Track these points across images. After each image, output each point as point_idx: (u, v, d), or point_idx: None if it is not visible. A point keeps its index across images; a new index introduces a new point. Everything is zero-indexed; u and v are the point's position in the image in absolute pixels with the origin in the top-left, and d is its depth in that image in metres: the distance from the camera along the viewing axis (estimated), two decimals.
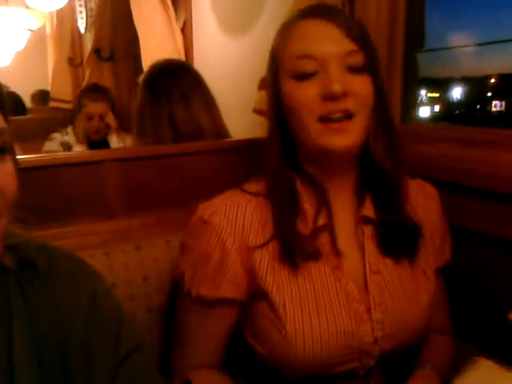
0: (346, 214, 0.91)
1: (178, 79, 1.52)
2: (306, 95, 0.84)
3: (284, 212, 0.87)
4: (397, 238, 0.91)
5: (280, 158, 0.90)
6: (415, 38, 1.45)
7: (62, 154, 1.84)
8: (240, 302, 0.89)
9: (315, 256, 0.86)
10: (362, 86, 0.85)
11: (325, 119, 0.83)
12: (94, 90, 2.63)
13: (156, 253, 1.09)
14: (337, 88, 0.81)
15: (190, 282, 0.89)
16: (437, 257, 0.98)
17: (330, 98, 0.82)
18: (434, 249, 0.97)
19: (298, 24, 0.87)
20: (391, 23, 1.37)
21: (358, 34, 0.86)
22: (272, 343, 0.85)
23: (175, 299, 1.01)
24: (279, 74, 0.88)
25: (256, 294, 0.87)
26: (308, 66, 0.84)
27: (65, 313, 0.67)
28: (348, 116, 0.83)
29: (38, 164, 1.12)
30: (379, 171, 0.90)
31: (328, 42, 0.84)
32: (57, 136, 2.55)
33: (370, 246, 0.90)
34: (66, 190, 1.14)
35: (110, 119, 2.57)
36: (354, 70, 0.84)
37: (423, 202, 0.98)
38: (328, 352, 0.83)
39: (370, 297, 0.87)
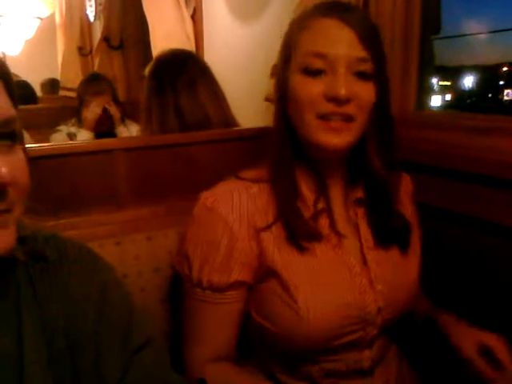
0: (340, 197, 0.97)
1: (184, 69, 1.51)
2: (310, 91, 0.86)
3: (287, 196, 0.91)
4: (388, 227, 0.97)
5: (284, 145, 0.93)
6: (431, 24, 1.42)
7: (71, 143, 1.83)
8: (249, 284, 0.92)
9: (317, 237, 0.91)
10: (366, 93, 0.87)
11: (324, 117, 0.86)
12: (94, 83, 2.55)
13: (167, 243, 1.08)
14: (342, 92, 0.84)
15: (200, 271, 0.90)
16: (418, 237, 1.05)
17: (334, 100, 0.85)
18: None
19: (317, 21, 0.88)
20: (407, 9, 1.34)
21: (373, 42, 0.88)
22: (283, 319, 0.89)
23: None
24: (289, 63, 0.90)
25: (265, 274, 0.90)
26: (318, 64, 0.86)
27: (75, 304, 0.66)
28: (347, 119, 0.86)
29: (47, 153, 1.11)
30: (369, 168, 0.95)
31: (342, 45, 0.86)
32: (63, 128, 2.53)
33: (364, 226, 0.97)
34: (76, 179, 1.13)
35: (113, 111, 2.52)
36: (361, 75, 0.87)
37: (404, 190, 1.05)
38: (336, 323, 0.89)
39: (371, 271, 0.94)
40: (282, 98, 0.91)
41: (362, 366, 0.95)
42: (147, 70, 1.57)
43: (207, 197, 0.92)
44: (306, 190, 0.93)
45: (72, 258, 0.69)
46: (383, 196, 0.96)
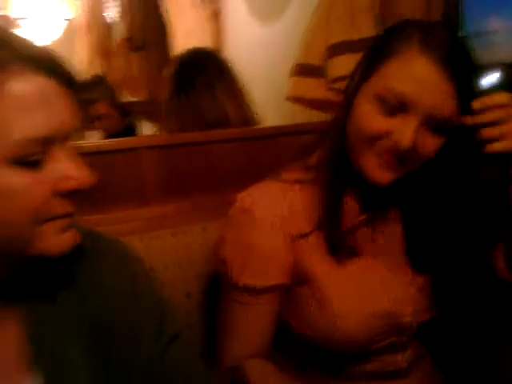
0: (380, 211, 0.94)
1: (204, 68, 1.52)
2: (375, 126, 0.81)
3: (331, 209, 0.88)
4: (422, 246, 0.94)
5: (338, 162, 0.89)
6: (452, 24, 1.42)
7: (98, 142, 1.86)
8: (286, 287, 0.91)
9: (355, 253, 0.90)
10: (431, 148, 0.82)
11: (380, 154, 0.82)
12: (88, 90, 2.43)
13: (191, 238, 1.10)
14: (405, 144, 0.79)
15: (237, 273, 0.89)
16: None
17: (394, 150, 0.80)
18: None
19: (415, 58, 0.79)
20: (428, 9, 1.35)
21: (469, 97, 0.79)
22: (318, 324, 0.89)
23: (213, 285, 1.03)
24: (367, 84, 0.84)
25: (299, 279, 0.90)
26: (399, 104, 0.79)
27: (109, 294, 0.69)
28: (400, 161, 0.82)
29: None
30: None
31: (432, 98, 0.78)
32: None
33: (398, 234, 0.95)
34: (103, 177, 1.15)
35: (112, 118, 2.47)
36: (434, 128, 0.81)
37: None
38: (369, 331, 0.88)
39: (404, 280, 0.93)
40: (346, 111, 0.86)
41: (398, 368, 0.95)
42: (168, 70, 1.60)
43: (244, 198, 0.90)
44: (351, 201, 0.90)
45: (106, 250, 0.71)
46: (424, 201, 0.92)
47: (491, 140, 0.79)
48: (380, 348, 0.92)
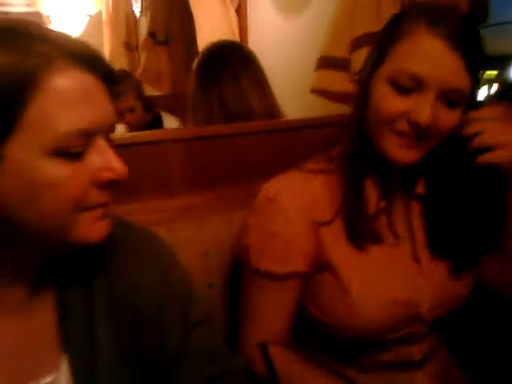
0: (401, 196, 0.97)
1: (229, 60, 1.54)
2: (393, 107, 0.84)
3: (352, 195, 0.91)
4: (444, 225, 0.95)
5: (357, 145, 0.91)
6: (479, 13, 1.41)
7: (126, 135, 1.90)
8: (306, 274, 0.93)
9: (376, 239, 0.92)
10: (450, 121, 0.84)
11: (400, 133, 0.85)
12: (114, 83, 2.49)
13: (216, 229, 1.12)
14: (424, 121, 0.81)
15: (259, 259, 0.92)
16: None
17: (414, 125, 0.83)
18: None
19: (424, 38, 0.82)
20: None
21: (478, 71, 0.84)
22: (337, 311, 0.91)
23: (235, 275, 1.05)
24: (379, 69, 0.87)
25: (321, 266, 0.92)
26: (411, 83, 0.82)
27: (140, 282, 0.71)
28: (421, 138, 0.84)
29: None
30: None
31: (443, 72, 0.81)
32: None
33: (419, 224, 0.97)
34: (131, 168, 1.18)
35: (137, 112, 2.49)
36: (450, 103, 0.83)
37: None
38: (387, 318, 0.90)
39: (423, 269, 0.95)
40: (363, 98, 0.89)
41: (413, 359, 0.96)
42: (194, 64, 1.62)
43: (269, 188, 0.93)
44: (371, 191, 0.93)
45: (137, 239, 0.74)
46: (445, 191, 0.95)
47: (482, 151, 0.84)
48: (396, 338, 0.93)
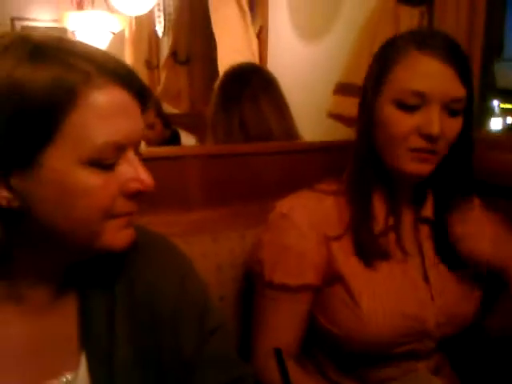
0: (409, 216, 1.01)
1: (249, 82, 1.57)
2: (404, 126, 0.90)
3: (360, 215, 0.95)
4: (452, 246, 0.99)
5: (365, 167, 0.97)
6: (493, 48, 1.44)
7: (146, 150, 1.93)
8: (318, 287, 0.96)
9: (384, 256, 0.95)
10: (454, 129, 0.91)
11: (414, 150, 0.90)
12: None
13: (231, 244, 1.15)
14: (436, 131, 0.88)
15: (272, 272, 0.96)
16: None
17: (427, 137, 0.89)
18: None
19: (413, 57, 0.90)
20: (470, 32, 1.36)
21: (470, 80, 0.91)
22: (346, 323, 0.93)
23: (247, 289, 1.07)
24: (380, 93, 0.93)
25: (332, 279, 0.95)
26: (415, 101, 0.89)
27: (159, 288, 0.74)
28: (434, 149, 0.90)
29: None
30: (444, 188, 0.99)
31: (441, 84, 0.89)
32: None
33: (428, 244, 1.01)
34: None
35: (156, 129, 2.52)
36: (452, 112, 0.90)
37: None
38: (395, 332, 0.93)
39: (432, 287, 0.98)
40: (369, 122, 0.95)
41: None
42: (215, 85, 1.66)
43: (283, 205, 0.98)
44: (379, 208, 0.97)
45: (157, 246, 0.77)
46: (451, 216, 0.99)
47: None
48: (403, 353, 0.95)
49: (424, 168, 0.92)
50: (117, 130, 0.62)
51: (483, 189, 1.11)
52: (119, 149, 0.63)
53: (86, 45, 0.65)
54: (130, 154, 0.64)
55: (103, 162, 0.61)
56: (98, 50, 0.65)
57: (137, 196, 0.66)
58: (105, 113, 0.61)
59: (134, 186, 0.64)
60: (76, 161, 0.60)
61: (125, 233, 0.67)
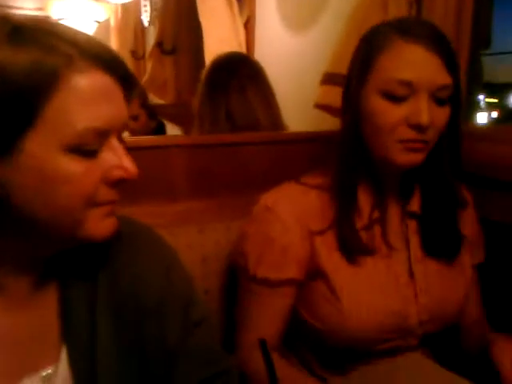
0: (396, 209, 1.00)
1: (236, 72, 1.56)
2: (392, 117, 0.88)
3: (344, 209, 0.94)
4: (440, 239, 0.99)
5: (351, 159, 0.95)
6: (481, 40, 1.44)
7: (130, 139, 1.91)
8: (301, 281, 0.96)
9: (368, 252, 0.94)
10: (443, 118, 0.90)
11: (404, 141, 0.89)
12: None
13: (216, 236, 1.14)
14: (425, 120, 0.86)
15: (256, 265, 0.95)
16: (471, 256, 1.06)
17: (416, 127, 0.87)
18: (470, 249, 1.05)
19: (398, 45, 0.88)
20: (458, 24, 1.36)
21: (456, 67, 0.90)
22: (328, 318, 0.93)
23: (231, 282, 1.06)
24: (366, 82, 0.91)
25: (313, 274, 0.95)
26: (402, 90, 0.87)
27: (143, 279, 0.72)
28: (424, 141, 0.89)
29: None
30: (432, 179, 0.97)
31: (427, 73, 0.87)
32: None
33: (414, 239, 1.00)
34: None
35: (141, 119, 2.50)
36: (439, 101, 0.89)
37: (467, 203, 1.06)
38: (377, 328, 0.92)
39: (417, 283, 0.97)
40: (354, 113, 0.93)
41: None
42: (201, 75, 1.64)
43: (267, 198, 0.97)
44: (364, 202, 0.96)
45: (142, 237, 0.76)
46: (440, 207, 0.98)
47: None
48: (385, 349, 0.95)
49: (415, 157, 0.90)
50: (99, 115, 0.60)
51: (472, 181, 1.11)
52: (101, 135, 0.61)
53: (69, 27, 0.63)
54: (113, 141, 0.63)
55: (85, 149, 0.60)
56: (81, 33, 0.63)
57: (120, 184, 0.64)
58: (87, 97, 0.59)
59: (117, 173, 0.63)
60: (57, 147, 0.58)
61: (107, 222, 0.65)
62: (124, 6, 4.11)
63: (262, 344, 0.67)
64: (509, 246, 1.18)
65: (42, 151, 0.58)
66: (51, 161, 0.58)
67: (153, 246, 0.76)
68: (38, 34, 0.58)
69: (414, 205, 1.00)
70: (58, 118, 0.57)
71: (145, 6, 4.02)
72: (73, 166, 0.59)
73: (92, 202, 0.62)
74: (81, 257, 0.70)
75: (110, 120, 0.61)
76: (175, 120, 2.78)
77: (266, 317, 0.97)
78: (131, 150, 1.19)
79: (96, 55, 0.60)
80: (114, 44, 4.56)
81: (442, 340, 1.04)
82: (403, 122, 0.87)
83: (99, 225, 0.64)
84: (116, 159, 0.63)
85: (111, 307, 0.70)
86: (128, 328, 0.71)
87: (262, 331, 0.97)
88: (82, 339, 0.68)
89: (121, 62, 0.64)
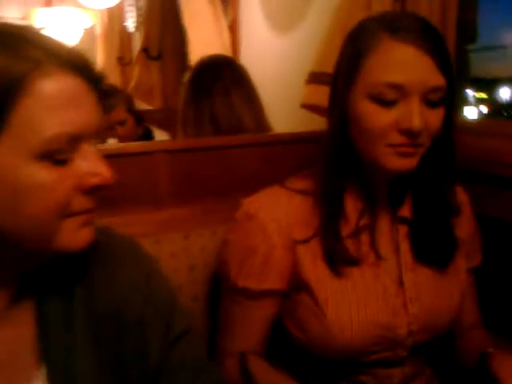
0: (386, 215, 0.95)
1: (220, 75, 1.53)
2: (381, 122, 0.82)
3: (330, 216, 0.90)
4: (432, 245, 0.94)
5: (337, 163, 0.90)
6: (467, 33, 1.42)
7: (114, 145, 1.89)
8: (283, 292, 0.92)
9: (354, 262, 0.89)
10: (436, 121, 0.84)
11: (394, 145, 0.83)
12: (103, 97, 2.48)
13: (203, 242, 1.11)
14: (417, 125, 0.80)
15: (237, 274, 0.91)
16: (468, 260, 1.01)
17: (407, 132, 0.82)
18: (466, 253, 1.00)
19: (388, 45, 0.82)
20: (443, 18, 1.34)
21: (449, 68, 0.84)
22: (312, 331, 0.89)
23: (220, 289, 1.03)
24: (353, 85, 0.85)
25: (297, 285, 0.91)
26: (392, 94, 0.81)
27: (123, 291, 0.70)
28: (416, 146, 0.84)
29: None
30: (424, 184, 0.93)
31: (419, 75, 0.81)
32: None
33: (405, 246, 0.94)
34: (119, 179, 1.16)
35: (128, 125, 2.49)
36: (432, 103, 0.83)
37: (462, 202, 1.00)
38: (364, 341, 0.88)
39: (406, 292, 0.92)
40: (341, 115, 0.87)
41: (392, 382, 0.93)
42: (186, 77, 1.62)
43: (250, 203, 0.93)
44: (351, 208, 0.91)
45: (121, 248, 0.73)
46: (432, 212, 0.93)
47: None
48: (375, 360, 0.91)
49: (407, 163, 0.84)
50: (68, 120, 0.57)
51: (463, 176, 1.09)
52: (72, 141, 0.58)
53: (38, 31, 0.61)
54: (86, 147, 0.60)
55: (56, 156, 0.57)
56: (50, 37, 0.61)
57: (95, 191, 0.62)
58: (55, 102, 0.56)
59: (92, 180, 0.60)
60: (26, 155, 0.55)
61: (83, 232, 0.63)
62: (109, 12, 4.10)
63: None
64: (505, 242, 1.16)
65: (11, 159, 0.55)
66: (20, 169, 0.56)
67: (131, 256, 0.73)
68: (9, 39, 0.56)
69: (405, 210, 0.95)
70: (25, 124, 0.55)
71: (130, 11, 4.01)
72: (43, 174, 0.57)
73: (66, 212, 0.59)
74: (57, 270, 0.67)
75: (80, 125, 0.59)
76: (163, 126, 2.76)
77: (248, 326, 0.94)
78: (114, 156, 1.17)
79: (65, 58, 0.58)
80: (100, 51, 4.56)
81: (435, 349, 1.00)
82: (393, 126, 0.82)
83: (75, 235, 0.61)
84: (90, 165, 0.60)
85: (90, 322, 0.67)
86: (108, 343, 0.68)
87: (244, 340, 0.94)
88: (61, 357, 0.65)
89: (91, 64, 0.62)
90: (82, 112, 0.59)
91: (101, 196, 0.63)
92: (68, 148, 0.58)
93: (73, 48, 0.61)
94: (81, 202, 0.60)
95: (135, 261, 0.73)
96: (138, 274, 0.72)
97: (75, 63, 0.59)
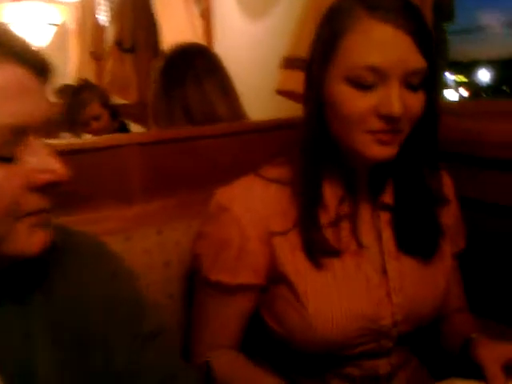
0: (367, 203, 0.91)
1: (193, 63, 1.47)
2: (359, 107, 0.78)
3: (307, 205, 0.86)
4: (415, 235, 0.91)
5: (314, 149, 0.86)
6: (444, 12, 1.40)
7: (82, 140, 1.83)
8: (259, 287, 0.89)
9: (335, 253, 0.86)
10: (416, 105, 0.80)
11: (373, 132, 0.80)
12: (79, 93, 2.48)
13: (177, 236, 1.06)
14: (396, 111, 0.76)
15: (210, 268, 0.88)
16: (452, 245, 0.98)
17: (387, 118, 0.78)
18: (450, 238, 0.97)
19: (366, 24, 0.78)
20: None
21: (430, 49, 0.79)
22: (291, 324, 0.86)
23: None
24: (330, 66, 0.81)
25: (275, 278, 0.87)
26: (370, 77, 0.77)
27: (85, 292, 0.66)
28: (395, 131, 0.80)
29: (59, 150, 1.10)
30: (406, 170, 0.89)
31: (398, 57, 0.77)
32: (66, 135, 2.53)
33: (388, 234, 0.91)
34: (87, 175, 1.12)
35: (105, 120, 2.47)
36: (412, 87, 0.79)
37: (446, 186, 0.98)
38: (347, 334, 0.85)
39: (390, 282, 0.89)
40: (317, 101, 0.83)
41: (379, 373, 0.91)
42: (155, 67, 1.56)
43: (223, 194, 0.89)
44: (330, 196, 0.87)
45: (79, 248, 0.69)
46: (414, 199, 0.90)
47: None
48: (360, 352, 0.88)
49: (387, 151, 0.80)
50: (12, 111, 0.53)
51: (442, 157, 1.06)
52: (17, 134, 0.54)
53: None
54: (34, 141, 0.56)
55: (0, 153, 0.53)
56: None
57: (47, 189, 0.57)
58: None
59: (41, 177, 0.56)
60: None
61: (39, 234, 0.58)
62: (81, 7, 4.02)
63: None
64: (485, 223, 1.14)
65: None
66: None
67: (94, 256, 0.69)
68: None
69: (387, 196, 0.91)
70: None
71: (102, 5, 3.94)
72: None
73: (16, 213, 0.55)
74: (14, 277, 0.62)
75: (26, 116, 0.55)
76: (139, 120, 2.71)
77: (221, 323, 0.91)
78: (81, 152, 1.13)
79: (8, 47, 0.55)
80: (73, 46, 4.47)
81: (421, 338, 0.97)
82: (372, 111, 0.77)
83: (29, 238, 0.57)
84: (39, 161, 0.56)
85: (50, 328, 0.63)
86: (71, 347, 0.64)
87: (217, 334, 0.92)
88: (20, 368, 0.61)
89: (36, 53, 0.58)
90: (27, 102, 0.55)
91: (62, 193, 0.59)
92: (13, 142, 0.54)
93: (18, 37, 0.57)
94: (32, 202, 0.56)
95: (98, 260, 0.69)
96: (102, 274, 0.68)
97: (19, 52, 0.56)
